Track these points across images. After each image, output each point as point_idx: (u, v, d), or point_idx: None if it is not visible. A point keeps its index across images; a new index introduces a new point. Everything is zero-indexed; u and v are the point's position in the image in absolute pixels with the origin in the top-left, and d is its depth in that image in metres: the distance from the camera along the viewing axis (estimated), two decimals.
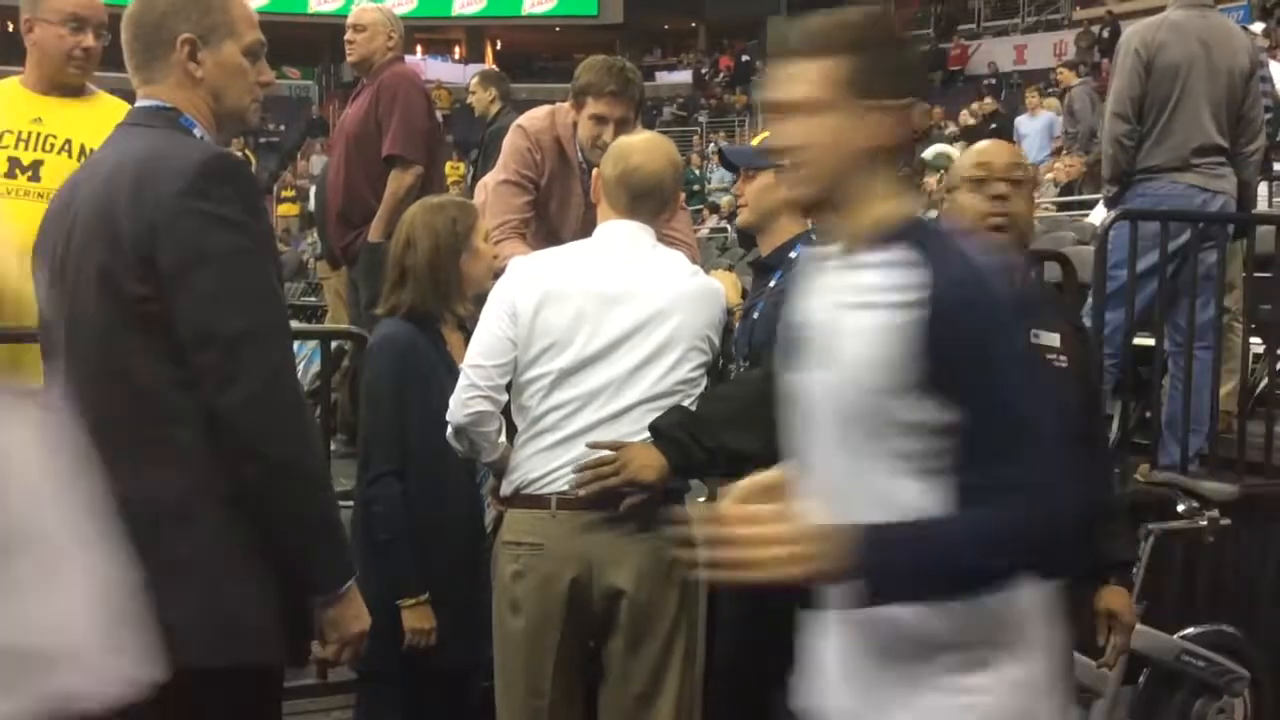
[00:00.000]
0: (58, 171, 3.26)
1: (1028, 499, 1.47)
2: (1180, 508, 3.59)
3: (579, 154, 3.63)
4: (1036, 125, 13.39)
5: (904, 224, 1.63)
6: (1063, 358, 2.47)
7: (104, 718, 1.26)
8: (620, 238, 2.67)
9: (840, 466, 1.64)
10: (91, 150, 3.28)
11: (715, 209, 16.72)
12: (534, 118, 3.74)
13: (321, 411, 3.79)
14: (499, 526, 2.72)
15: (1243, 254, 4.82)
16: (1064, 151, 12.63)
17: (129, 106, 3.47)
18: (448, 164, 15.81)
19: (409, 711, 2.89)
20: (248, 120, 2.14)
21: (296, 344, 5.98)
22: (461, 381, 2.59)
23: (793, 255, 2.94)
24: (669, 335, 2.58)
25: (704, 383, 2.65)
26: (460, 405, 2.58)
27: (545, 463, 2.57)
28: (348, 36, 5.01)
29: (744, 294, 3.08)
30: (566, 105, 3.64)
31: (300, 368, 5.92)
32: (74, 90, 3.31)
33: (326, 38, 25.12)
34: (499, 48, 33.59)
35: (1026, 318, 1.76)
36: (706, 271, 3.00)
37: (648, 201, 2.68)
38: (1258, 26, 10.56)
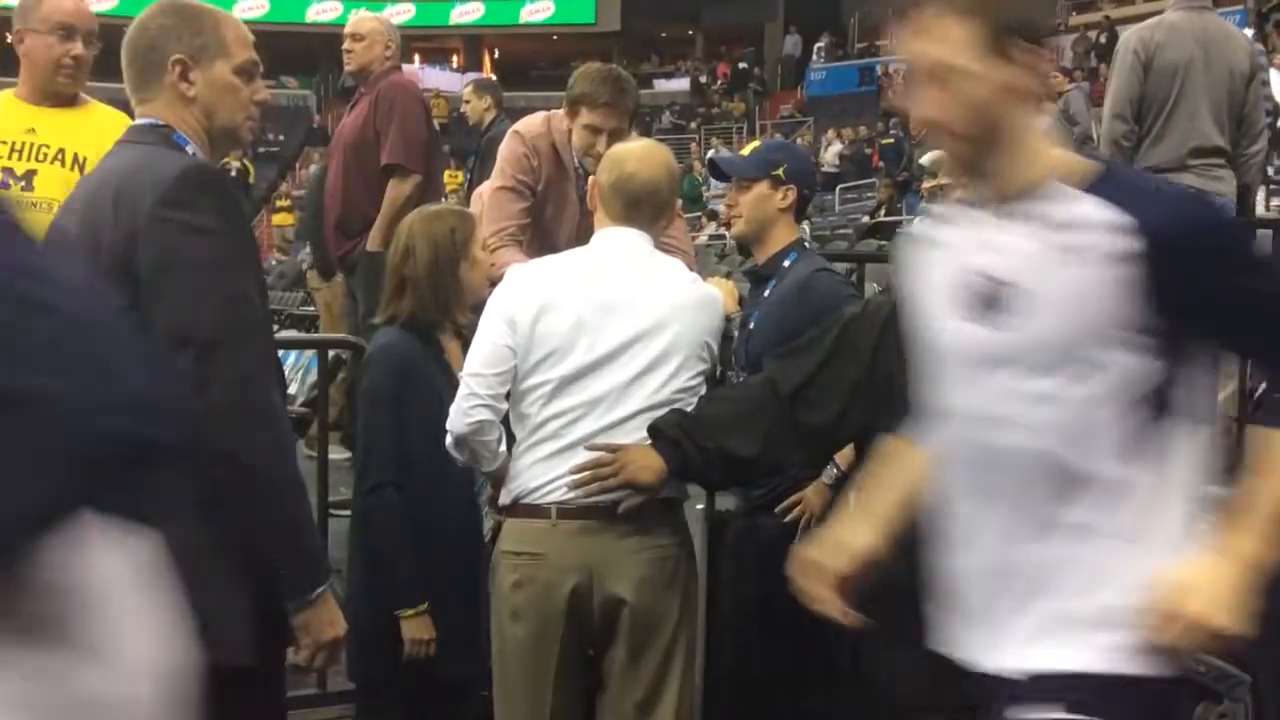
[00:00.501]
0: (52, 181, 3.27)
1: None
2: None
3: (574, 160, 3.63)
4: None
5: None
6: None
7: None
8: (618, 246, 2.67)
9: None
10: (85, 159, 3.30)
11: (713, 216, 16.74)
12: (530, 124, 3.74)
13: (319, 421, 3.79)
14: (497, 536, 2.71)
15: None
16: None
17: (122, 115, 3.50)
18: (446, 172, 15.84)
19: None
20: (241, 137, 2.20)
21: (294, 354, 6.01)
22: (462, 391, 2.59)
23: (786, 264, 2.94)
24: (668, 344, 2.59)
25: (703, 391, 2.65)
26: (461, 415, 2.58)
27: (545, 472, 2.57)
28: (345, 46, 5.02)
29: (742, 302, 3.08)
30: (562, 111, 3.64)
31: (298, 377, 5.94)
32: (67, 100, 3.33)
33: (324, 47, 25.14)
34: (496, 56, 33.67)
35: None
36: (704, 279, 3.00)
37: (644, 209, 2.68)
38: (1247, 33, 10.57)
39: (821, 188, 15.56)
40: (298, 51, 28.76)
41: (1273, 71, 7.53)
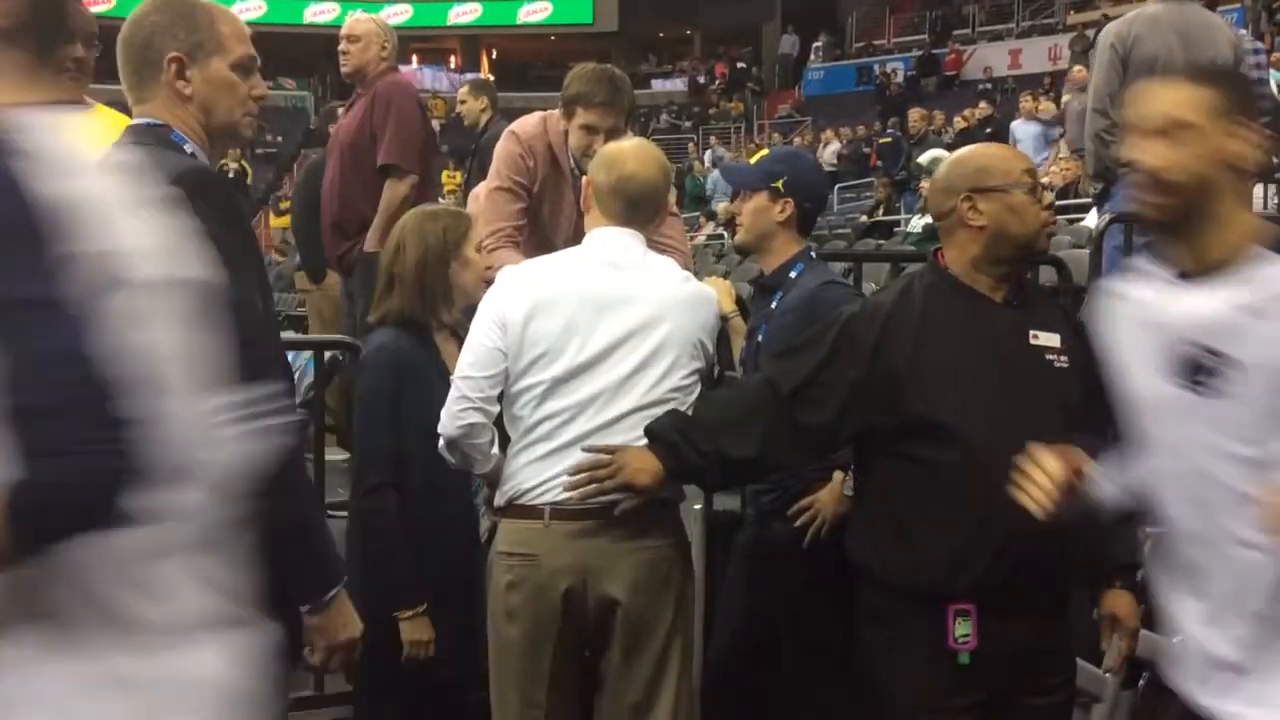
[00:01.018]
0: None
1: None
2: None
3: (570, 161, 3.63)
4: (1031, 130, 13.38)
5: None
6: (1063, 358, 2.47)
7: None
8: (611, 245, 2.67)
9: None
10: None
11: (712, 216, 16.74)
12: (526, 124, 3.74)
13: (315, 422, 3.79)
14: (494, 537, 2.71)
15: None
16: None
17: (124, 118, 3.50)
18: (444, 173, 15.83)
19: None
20: (240, 134, 2.16)
21: (291, 354, 6.01)
22: (452, 394, 2.59)
23: (792, 275, 2.93)
24: (661, 342, 2.58)
25: (697, 389, 2.64)
26: (452, 418, 2.57)
27: (538, 473, 2.56)
28: (341, 47, 5.02)
29: (739, 301, 3.07)
30: (558, 112, 3.63)
31: (295, 378, 5.93)
32: (69, 104, 3.32)
33: (322, 48, 25.13)
34: (494, 57, 33.67)
35: None
36: (699, 278, 3.00)
37: (642, 209, 2.68)
38: (1243, 32, 10.57)
39: None
40: (295, 53, 28.74)
41: (1274, 72, 7.52)
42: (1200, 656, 1.93)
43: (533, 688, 2.57)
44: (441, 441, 2.60)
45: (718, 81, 29.83)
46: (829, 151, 19.67)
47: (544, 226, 3.71)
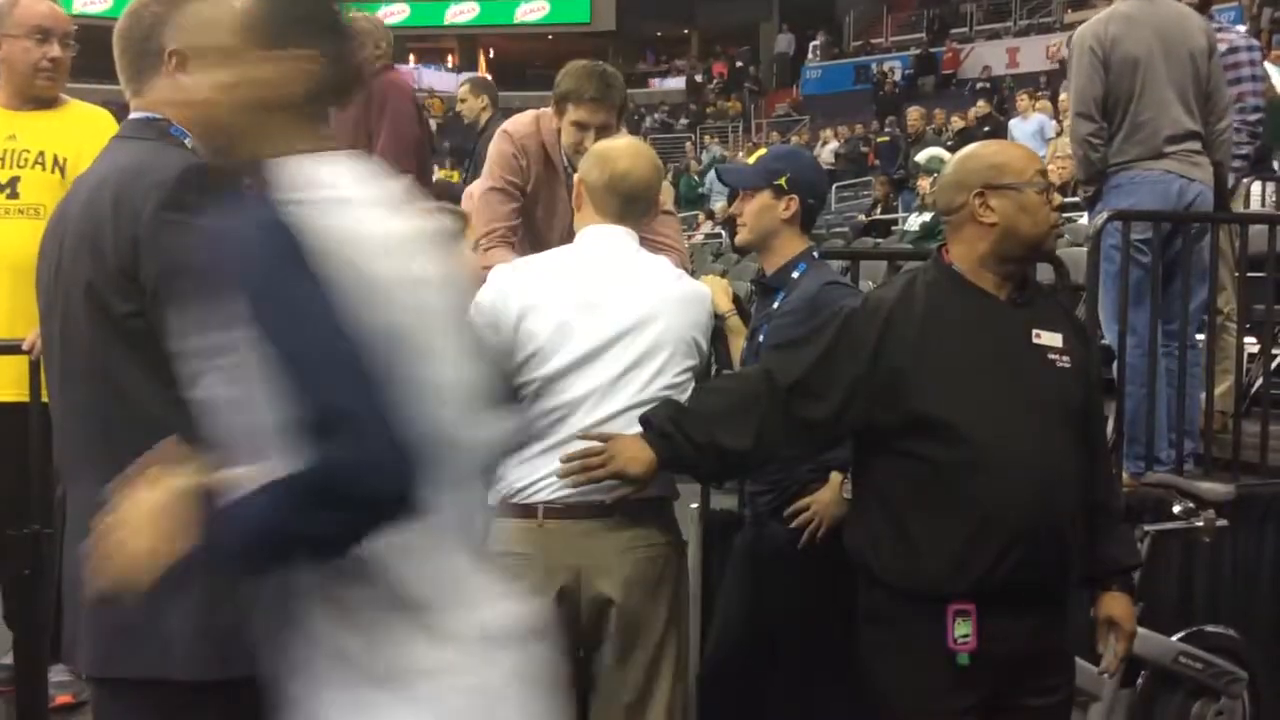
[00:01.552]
0: (35, 186, 3.27)
1: None
2: (1176, 508, 3.57)
3: (564, 159, 3.61)
4: (1029, 128, 13.38)
5: None
6: (1065, 358, 2.46)
7: None
8: (603, 243, 2.66)
9: None
10: (65, 159, 3.29)
11: (710, 215, 16.74)
12: (519, 123, 3.72)
13: None
14: None
15: (1234, 254, 4.81)
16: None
17: (102, 112, 3.48)
18: (443, 172, 15.84)
19: None
20: None
21: None
22: None
23: (795, 275, 2.91)
24: (654, 340, 2.57)
25: (690, 388, 2.63)
26: None
27: (531, 471, 2.55)
28: None
29: (736, 299, 3.06)
30: (551, 110, 3.62)
31: None
32: (46, 102, 3.34)
33: None
34: (492, 56, 33.69)
35: None
36: (696, 277, 2.98)
37: (635, 206, 2.67)
38: (1240, 29, 10.56)
39: None
40: None
41: (1269, 65, 7.50)
42: None
43: None
44: None
45: (715, 81, 29.84)
46: (827, 150, 19.70)
47: (538, 225, 3.70)
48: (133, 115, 2.05)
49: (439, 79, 29.51)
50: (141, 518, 1.44)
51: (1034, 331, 2.45)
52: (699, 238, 15.39)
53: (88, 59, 3.61)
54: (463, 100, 6.69)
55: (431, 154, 5.27)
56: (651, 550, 2.56)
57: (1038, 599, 2.43)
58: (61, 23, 3.34)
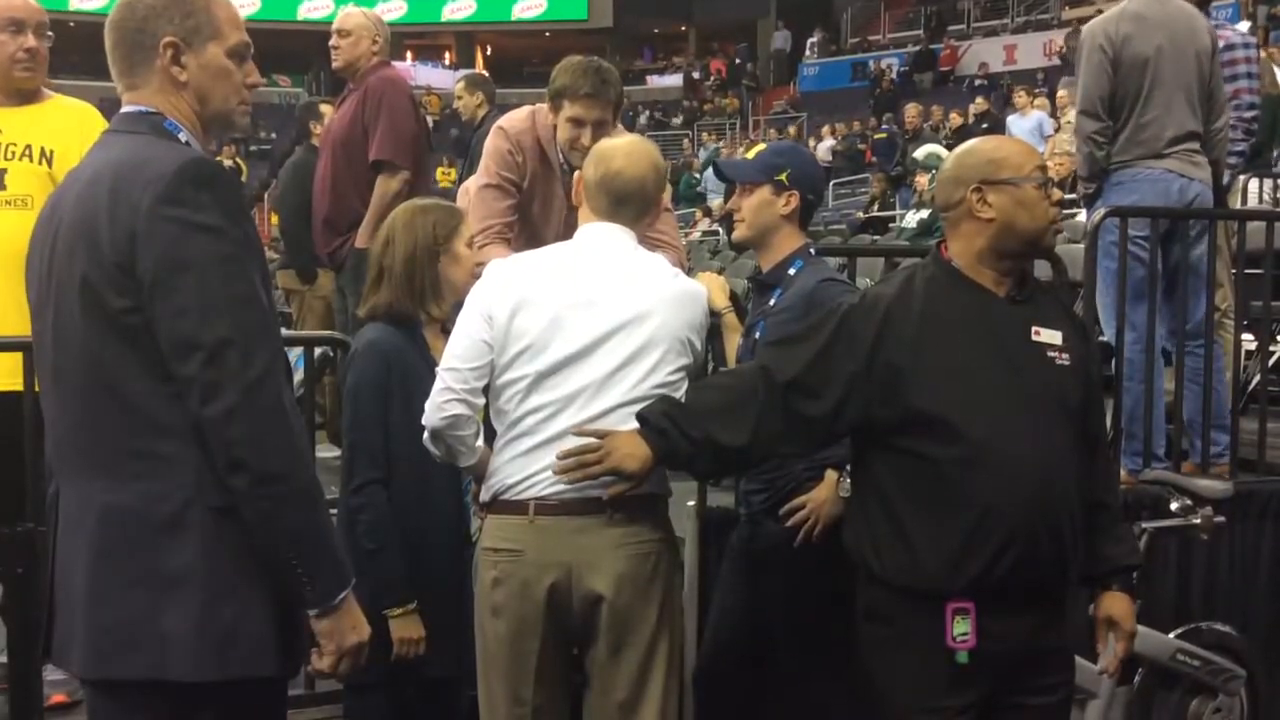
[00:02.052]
0: (23, 177, 3.27)
1: None
2: (1173, 506, 3.57)
3: (559, 156, 3.60)
4: (1027, 125, 13.36)
5: None
6: (1064, 356, 2.44)
7: None
8: (599, 240, 2.65)
9: None
10: (52, 151, 3.29)
11: (708, 213, 16.71)
12: (514, 119, 3.70)
13: (306, 420, 3.76)
14: None
15: (1230, 251, 4.80)
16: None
17: (86, 105, 3.48)
18: (440, 169, 15.81)
19: None
20: (235, 123, 2.10)
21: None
22: (437, 385, 2.57)
23: (791, 272, 2.90)
24: (648, 337, 2.56)
25: (684, 386, 2.61)
26: (435, 409, 2.55)
27: (523, 467, 2.54)
28: (332, 42, 4.99)
29: (733, 296, 3.05)
30: (547, 106, 3.60)
31: None
32: (28, 96, 3.35)
33: (316, 44, 25.07)
34: (489, 53, 33.65)
35: None
36: (692, 274, 2.97)
37: (630, 205, 2.66)
38: (1243, 25, 10.56)
39: None
40: (290, 49, 28.69)
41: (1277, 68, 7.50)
42: None
43: (520, 684, 2.55)
44: (426, 433, 2.58)
45: (713, 77, 29.80)
46: (824, 147, 19.67)
47: (534, 222, 3.69)
48: (125, 109, 2.02)
49: (436, 76, 29.48)
50: None
51: (1033, 329, 2.44)
52: (696, 235, 15.37)
53: (86, 56, 3.62)
54: (459, 97, 6.68)
55: (429, 151, 5.24)
56: (643, 547, 2.55)
57: (1037, 597, 2.41)
58: (35, 14, 3.36)
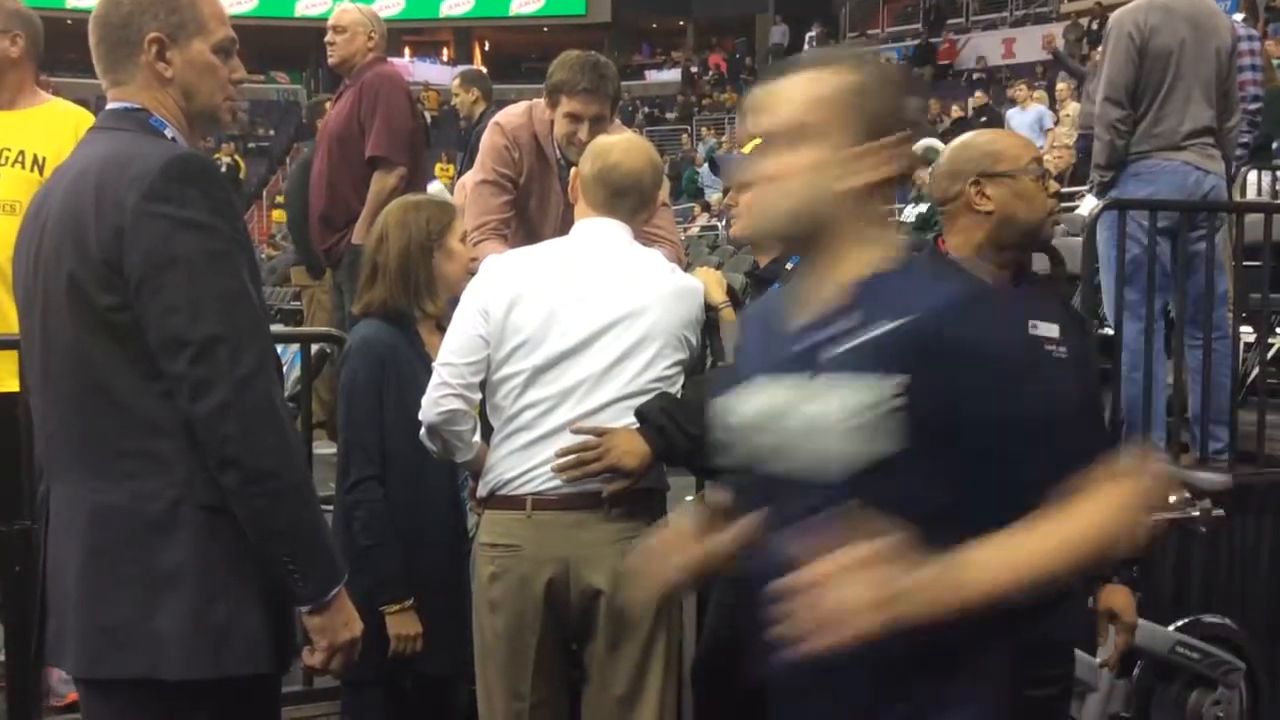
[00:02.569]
0: (12, 183, 3.27)
1: None
2: (1172, 499, 3.56)
3: (556, 151, 3.59)
4: (1027, 119, 13.36)
5: None
6: (1062, 349, 2.44)
7: None
8: (596, 235, 2.65)
9: None
10: (44, 158, 3.28)
11: (707, 208, 16.70)
12: (511, 115, 3.70)
13: (303, 416, 3.76)
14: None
15: (1231, 242, 4.80)
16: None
17: (82, 110, 3.48)
18: (438, 165, 15.79)
19: (394, 717, 2.86)
20: (221, 119, 2.09)
21: (280, 348, 6.01)
22: (433, 380, 2.57)
23: (789, 267, 2.90)
24: (644, 332, 2.55)
25: (680, 380, 2.61)
26: (432, 404, 2.55)
27: (520, 462, 2.54)
28: (328, 38, 4.98)
29: (730, 292, 3.04)
30: (543, 102, 3.60)
31: (283, 372, 5.92)
32: (21, 101, 3.37)
33: (314, 41, 25.07)
34: (487, 48, 33.61)
35: None
36: (690, 269, 2.96)
37: (626, 200, 2.65)
38: (1238, 17, 10.55)
39: None
40: (287, 46, 28.67)
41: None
42: None
43: (518, 679, 2.55)
44: (422, 428, 2.58)
45: (711, 72, 29.77)
46: None
47: (532, 218, 3.68)
48: (110, 105, 2.00)
49: (434, 72, 29.42)
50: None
51: (1031, 322, 2.44)
52: (695, 230, 15.37)
53: (83, 54, 3.62)
54: (455, 94, 6.67)
55: (426, 147, 5.24)
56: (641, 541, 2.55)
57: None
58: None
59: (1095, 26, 18.73)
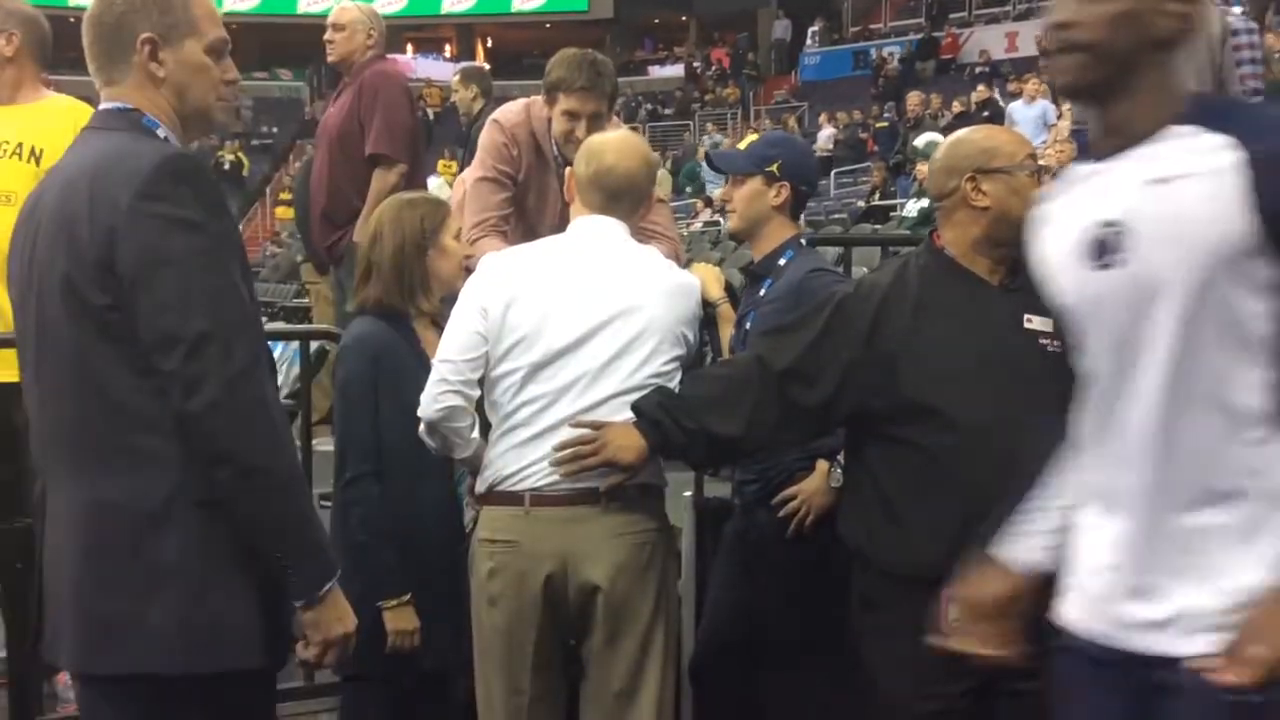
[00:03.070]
0: (10, 174, 3.28)
1: None
2: None
3: (554, 149, 3.60)
4: (1032, 113, 13.34)
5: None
6: (1056, 343, 2.44)
7: None
8: (593, 233, 2.66)
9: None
10: (41, 150, 3.29)
11: (709, 203, 16.70)
12: (509, 112, 3.70)
13: (302, 413, 3.77)
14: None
15: None
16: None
17: (76, 103, 3.50)
18: (441, 162, 15.81)
19: (394, 713, 2.87)
20: (214, 119, 2.10)
21: (280, 345, 6.02)
22: (432, 376, 2.58)
23: (782, 263, 2.91)
24: (641, 329, 2.57)
25: (678, 377, 2.62)
26: (431, 400, 2.56)
27: (518, 459, 2.55)
28: (327, 35, 4.99)
29: (729, 288, 3.05)
30: (542, 99, 3.60)
31: (282, 369, 5.93)
32: (20, 95, 3.38)
33: (316, 38, 25.07)
34: (489, 45, 33.61)
35: None
36: (688, 265, 2.97)
37: (622, 201, 2.67)
38: (1238, 10, 10.53)
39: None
40: (290, 43, 28.67)
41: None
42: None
43: (516, 675, 2.56)
44: (421, 425, 2.59)
45: (714, 67, 29.75)
46: (825, 136, 19.64)
47: (530, 215, 3.69)
48: (103, 105, 2.02)
49: (436, 68, 29.43)
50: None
51: (1025, 316, 2.45)
52: (697, 225, 15.37)
53: (81, 52, 3.64)
54: (455, 91, 6.68)
55: (426, 144, 5.24)
56: (638, 537, 2.56)
57: None
58: None
59: None
